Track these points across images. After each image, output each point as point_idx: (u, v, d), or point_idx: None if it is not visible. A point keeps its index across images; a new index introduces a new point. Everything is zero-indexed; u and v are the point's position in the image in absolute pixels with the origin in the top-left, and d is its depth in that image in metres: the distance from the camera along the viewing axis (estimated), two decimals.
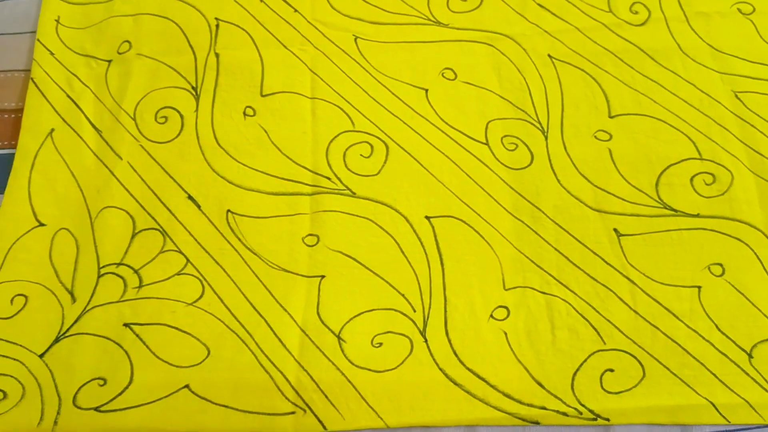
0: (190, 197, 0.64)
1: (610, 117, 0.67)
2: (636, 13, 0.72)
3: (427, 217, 0.63)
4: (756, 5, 0.71)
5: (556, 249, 0.61)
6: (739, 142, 0.65)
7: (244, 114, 0.68)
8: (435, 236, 0.62)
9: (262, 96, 0.69)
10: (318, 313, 0.59)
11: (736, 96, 0.66)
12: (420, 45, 0.71)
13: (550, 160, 0.65)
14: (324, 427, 0.54)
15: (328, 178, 0.65)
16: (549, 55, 0.70)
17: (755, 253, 0.60)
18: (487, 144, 0.66)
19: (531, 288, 0.60)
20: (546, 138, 0.66)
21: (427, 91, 0.69)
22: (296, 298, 0.60)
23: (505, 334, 0.58)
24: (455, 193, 0.64)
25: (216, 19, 0.73)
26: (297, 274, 0.61)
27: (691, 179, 0.63)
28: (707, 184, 0.63)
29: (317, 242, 0.62)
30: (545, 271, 0.60)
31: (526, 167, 0.65)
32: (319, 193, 0.64)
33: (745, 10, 0.71)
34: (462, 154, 0.66)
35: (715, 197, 0.62)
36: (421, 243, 0.62)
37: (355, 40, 0.71)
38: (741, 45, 0.69)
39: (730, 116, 0.66)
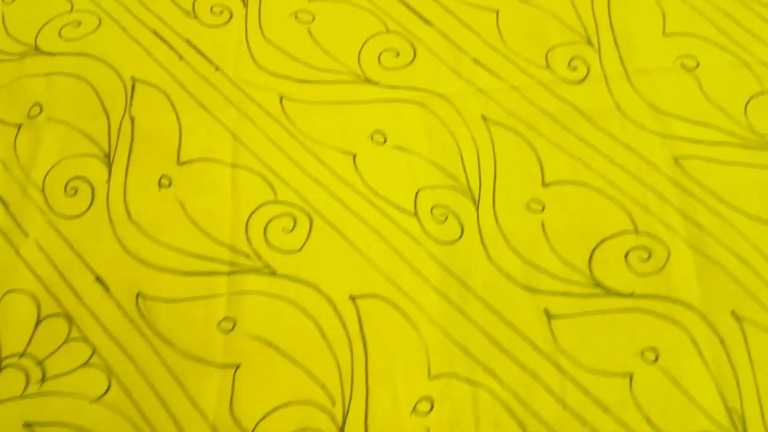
0: (98, 279, 0.60)
1: (544, 185, 0.63)
2: (575, 69, 0.68)
3: (352, 297, 0.60)
4: (701, 59, 0.68)
5: (484, 331, 0.59)
6: (677, 213, 0.62)
7: (159, 184, 0.64)
8: (359, 318, 0.59)
9: (179, 164, 0.65)
10: (231, 409, 0.56)
11: (676, 162, 0.63)
12: (349, 105, 0.68)
13: (480, 233, 0.62)
14: None
15: (247, 255, 0.61)
16: (483, 116, 0.67)
17: (691, 337, 0.57)
18: (416, 215, 0.63)
19: (457, 376, 0.57)
20: (477, 208, 0.63)
21: (355, 156, 0.65)
22: (209, 391, 0.57)
23: (428, 430, 0.55)
24: (382, 270, 0.61)
25: (132, 78, 0.68)
26: (210, 364, 0.57)
27: (626, 255, 0.60)
28: (642, 261, 0.60)
29: (233, 327, 0.59)
30: (472, 356, 0.58)
31: (456, 241, 0.62)
32: (238, 273, 0.61)
33: (689, 64, 0.68)
34: (389, 227, 0.63)
35: (650, 275, 0.60)
36: (344, 326, 0.59)
37: (281, 100, 0.68)
38: (683, 104, 0.66)
39: (668, 185, 0.63)
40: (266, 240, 0.62)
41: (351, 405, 0.56)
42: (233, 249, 0.62)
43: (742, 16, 0.70)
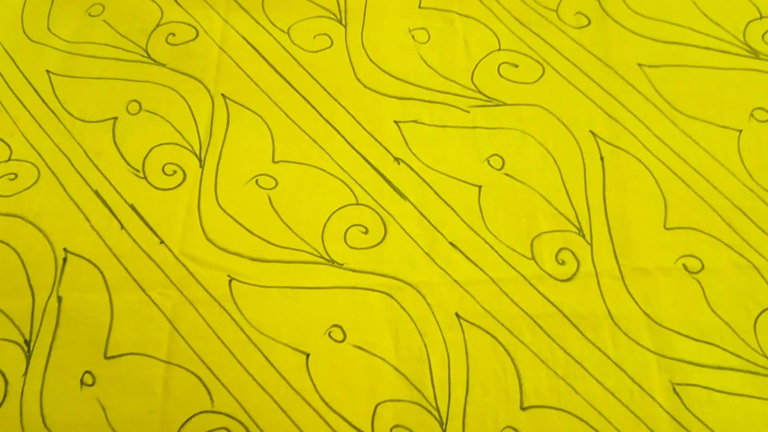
0: None
1: (522, 408, 0.55)
2: (563, 263, 0.60)
3: None
4: (705, 260, 0.60)
5: None
6: None
7: (82, 383, 0.56)
8: None
9: (107, 358, 0.57)
10: None
11: (674, 389, 0.55)
12: (306, 292, 0.60)
13: None
14: None
15: None
16: (457, 314, 0.58)
17: None
18: None
19: None
20: None
21: (308, 356, 0.57)
22: None
23: None
24: None
25: (65, 250, 0.61)
26: None
27: None
28: None
29: None
30: None
31: None
32: None
33: (693, 266, 0.60)
34: None
35: None
36: None
37: (230, 282, 0.60)
38: (684, 315, 0.58)
39: (665, 418, 0.54)
40: None
41: None
42: None
43: (750, 205, 0.62)
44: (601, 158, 0.65)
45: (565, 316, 0.59)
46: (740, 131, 0.66)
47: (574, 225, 0.62)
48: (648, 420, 0.55)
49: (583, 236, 0.62)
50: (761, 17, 0.72)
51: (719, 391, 0.56)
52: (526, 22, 0.74)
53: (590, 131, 0.67)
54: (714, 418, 0.55)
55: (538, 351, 0.57)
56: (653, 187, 0.64)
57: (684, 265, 0.61)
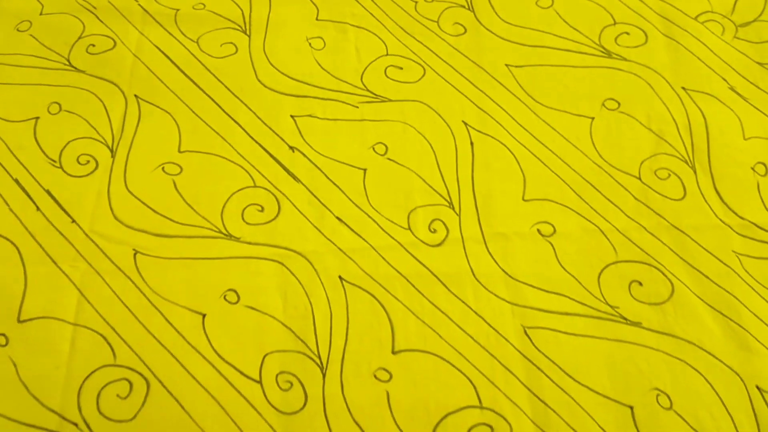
0: None
1: (393, 353, 0.62)
2: (434, 231, 0.69)
3: None
4: (558, 225, 0.69)
5: None
6: (523, 387, 0.61)
7: None
8: None
9: (19, 322, 0.63)
10: None
11: (525, 332, 0.63)
12: (204, 262, 0.67)
13: (324, 404, 0.60)
14: None
15: (75, 425, 0.58)
16: (340, 277, 0.66)
17: None
18: (260, 382, 0.61)
19: None
20: (324, 376, 0.61)
21: (204, 316, 0.64)
22: None
23: None
24: None
25: None
26: None
27: (469, 431, 0.58)
28: None
29: None
30: None
31: (298, 411, 0.60)
32: None
33: (546, 231, 0.68)
34: (230, 394, 0.60)
35: None
36: None
37: (135, 255, 0.66)
38: (536, 271, 0.66)
39: (516, 357, 0.62)
40: (98, 407, 0.59)
41: None
42: (62, 417, 0.59)
43: (599, 180, 0.71)
44: (471, 143, 0.75)
45: (435, 276, 0.67)
46: (592, 118, 0.76)
47: (446, 200, 0.71)
48: (502, 358, 0.62)
49: (453, 209, 0.71)
50: (615, 23, 0.84)
51: (565, 333, 0.64)
52: (411, 32, 0.83)
53: (462, 121, 0.76)
54: (560, 355, 0.63)
55: (409, 305, 0.65)
56: (515, 167, 0.73)
57: (538, 230, 0.69)
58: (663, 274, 0.66)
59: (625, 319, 0.64)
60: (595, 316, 0.65)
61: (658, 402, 0.60)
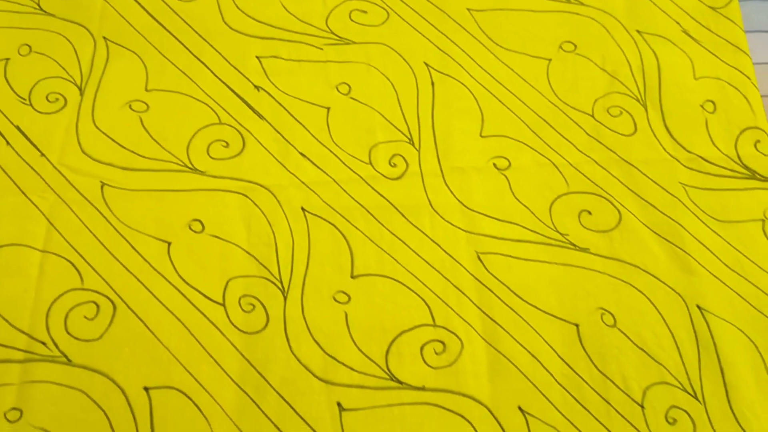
0: None
1: (352, 277, 0.65)
2: (395, 166, 0.71)
3: (146, 389, 0.59)
4: (513, 160, 0.71)
5: (275, 425, 0.58)
6: (475, 307, 0.64)
7: None
8: (151, 411, 0.59)
9: None
10: None
11: (479, 257, 0.66)
12: (170, 193, 0.69)
13: (285, 324, 0.63)
14: None
15: (44, 343, 0.61)
16: (302, 208, 0.68)
17: (476, 431, 0.58)
18: (223, 305, 0.63)
19: None
20: (285, 299, 0.64)
21: (170, 244, 0.66)
22: None
23: None
24: (180, 361, 0.61)
25: None
26: None
27: (422, 348, 0.62)
28: (437, 353, 0.61)
29: (20, 417, 0.58)
30: None
31: (260, 331, 0.63)
32: (32, 361, 0.60)
33: (501, 165, 0.71)
34: (195, 316, 0.63)
35: (442, 368, 0.61)
36: (134, 419, 0.58)
37: (102, 187, 0.68)
38: (491, 202, 0.69)
39: (469, 279, 0.65)
40: (66, 328, 0.62)
41: None
42: (30, 336, 0.61)
43: (554, 118, 0.74)
44: (432, 84, 0.77)
45: (394, 206, 0.69)
46: (549, 60, 0.78)
47: (406, 136, 0.73)
48: (455, 281, 0.65)
49: (413, 145, 0.73)
50: None
51: (516, 258, 0.67)
52: None
53: (424, 63, 0.78)
54: (510, 278, 0.66)
55: (369, 233, 0.68)
56: (473, 105, 0.76)
57: (494, 164, 0.72)
58: (612, 204, 0.69)
59: (573, 245, 0.67)
60: (546, 243, 0.67)
61: (602, 320, 0.64)
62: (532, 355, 0.62)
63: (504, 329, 0.63)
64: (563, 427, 0.60)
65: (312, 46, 0.79)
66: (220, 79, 0.76)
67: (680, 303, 0.64)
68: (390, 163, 0.72)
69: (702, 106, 0.75)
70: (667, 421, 0.60)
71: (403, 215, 0.69)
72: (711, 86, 0.77)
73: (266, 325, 0.63)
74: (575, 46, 0.79)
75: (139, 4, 0.81)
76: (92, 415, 0.58)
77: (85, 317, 0.62)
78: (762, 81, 0.77)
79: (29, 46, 0.78)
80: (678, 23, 0.80)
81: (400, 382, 0.60)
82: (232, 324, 0.63)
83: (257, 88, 0.76)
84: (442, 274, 0.65)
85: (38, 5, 0.80)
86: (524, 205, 0.69)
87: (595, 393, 0.61)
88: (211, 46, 0.78)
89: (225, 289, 0.64)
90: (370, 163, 0.72)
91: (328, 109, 0.75)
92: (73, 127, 0.72)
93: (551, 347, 0.62)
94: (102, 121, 0.73)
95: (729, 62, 0.78)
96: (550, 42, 0.80)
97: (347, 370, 0.61)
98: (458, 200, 0.69)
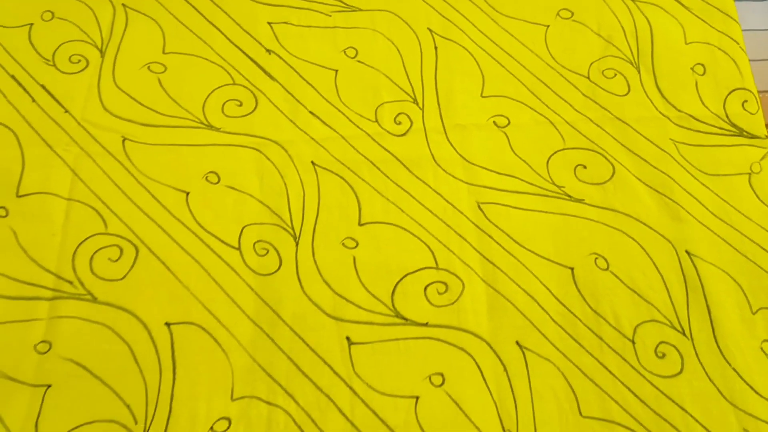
0: None
1: (360, 225, 0.69)
2: (399, 123, 0.75)
3: (167, 324, 0.63)
4: (512, 118, 0.75)
5: (288, 357, 0.62)
6: (475, 252, 0.67)
7: None
8: (172, 344, 0.62)
9: (18, 197, 0.69)
10: (36, 427, 0.58)
11: (479, 206, 0.70)
12: (187, 148, 0.73)
13: (297, 267, 0.67)
14: None
15: (71, 282, 0.65)
16: (312, 162, 0.72)
17: (476, 363, 0.62)
18: (239, 249, 0.67)
19: (257, 398, 0.60)
20: (297, 244, 0.68)
21: (188, 194, 0.70)
22: (16, 409, 0.59)
23: None
24: (199, 299, 0.65)
25: None
26: (22, 383, 0.60)
27: (425, 288, 0.65)
28: (440, 293, 0.65)
29: (49, 349, 0.62)
30: (274, 379, 0.61)
31: (273, 273, 0.66)
32: (59, 298, 0.64)
33: (501, 122, 0.75)
34: (212, 259, 0.67)
35: (445, 306, 0.64)
36: (157, 351, 0.62)
37: (123, 141, 0.72)
38: (491, 156, 0.73)
39: (470, 227, 0.69)
40: (91, 268, 0.65)
41: (152, 424, 0.59)
42: (58, 276, 0.65)
43: (551, 79, 0.78)
44: (435, 48, 0.81)
45: (398, 160, 0.73)
46: (548, 26, 0.82)
47: (410, 96, 0.77)
48: (457, 228, 0.69)
49: (417, 104, 0.77)
50: None
51: (515, 207, 0.71)
52: None
53: (428, 28, 0.82)
54: (509, 226, 0.69)
55: (375, 185, 0.72)
56: (474, 68, 0.80)
57: (494, 122, 0.76)
58: (606, 158, 0.73)
59: (569, 196, 0.71)
60: (542, 194, 0.71)
61: (596, 264, 0.67)
62: (529, 295, 0.66)
63: (503, 271, 0.67)
64: (558, 360, 0.63)
65: (320, 13, 0.83)
66: (233, 43, 0.80)
67: (670, 248, 0.68)
68: (395, 121, 0.76)
69: (692, 69, 0.79)
70: (656, 355, 0.64)
71: (407, 168, 0.72)
72: (701, 50, 0.81)
73: (279, 267, 0.67)
74: (572, 13, 0.83)
75: None
76: (117, 347, 0.62)
77: (110, 259, 0.66)
78: (750, 46, 0.81)
79: (52, 12, 0.82)
80: None
81: (405, 319, 0.64)
82: (247, 266, 0.67)
83: (269, 51, 0.80)
84: (444, 222, 0.69)
85: None
86: (522, 160, 0.73)
87: (588, 329, 0.65)
88: (225, 12, 0.82)
89: (240, 235, 0.68)
90: (376, 121, 0.76)
91: (336, 71, 0.79)
92: (95, 86, 0.76)
93: (547, 288, 0.66)
94: (122, 80, 0.77)
95: (719, 28, 0.82)
96: (548, 9, 0.84)
97: (355, 308, 0.65)
98: (460, 154, 0.73)
